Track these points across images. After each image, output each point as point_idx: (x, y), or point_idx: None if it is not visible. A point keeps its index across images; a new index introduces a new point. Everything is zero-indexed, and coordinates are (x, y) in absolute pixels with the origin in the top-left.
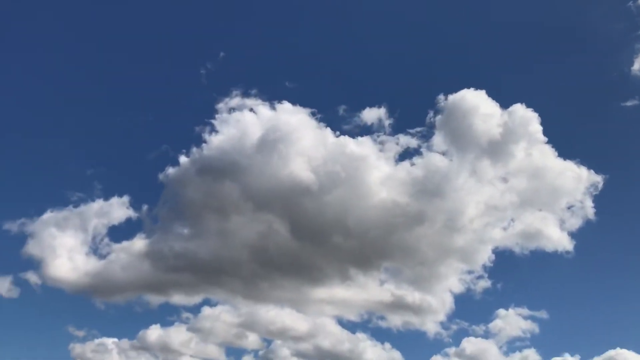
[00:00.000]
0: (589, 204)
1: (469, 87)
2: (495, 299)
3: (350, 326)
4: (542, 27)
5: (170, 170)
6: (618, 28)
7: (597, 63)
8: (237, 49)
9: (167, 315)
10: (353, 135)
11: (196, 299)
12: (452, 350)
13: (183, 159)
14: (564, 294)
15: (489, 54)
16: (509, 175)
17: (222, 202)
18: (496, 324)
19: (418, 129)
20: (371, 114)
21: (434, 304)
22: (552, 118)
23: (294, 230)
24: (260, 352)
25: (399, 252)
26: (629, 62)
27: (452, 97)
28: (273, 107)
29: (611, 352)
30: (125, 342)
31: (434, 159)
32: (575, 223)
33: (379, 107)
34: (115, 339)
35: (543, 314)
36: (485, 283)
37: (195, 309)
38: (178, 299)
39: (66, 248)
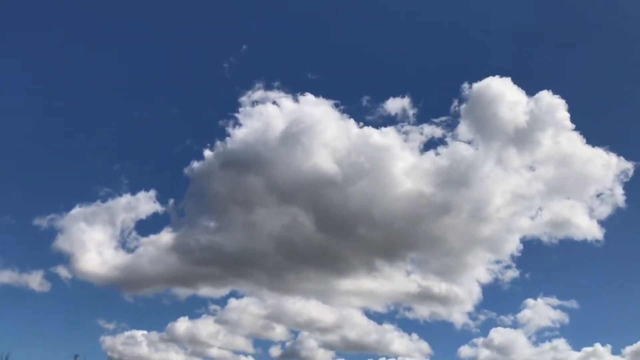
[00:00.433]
0: (619, 191)
1: (494, 75)
2: (523, 288)
3: (377, 317)
4: (568, 12)
5: (195, 165)
6: None
7: (625, 48)
8: (260, 41)
9: (194, 308)
10: (377, 125)
11: (223, 291)
12: (480, 340)
13: (207, 152)
14: (594, 283)
15: (514, 40)
16: (536, 164)
17: (247, 195)
18: (525, 314)
19: (443, 118)
20: (395, 104)
21: (461, 295)
22: (580, 104)
23: (319, 222)
24: (287, 344)
25: (425, 242)
26: None
27: (476, 85)
28: (296, 99)
29: None
30: (154, 335)
31: (459, 148)
32: (604, 211)
33: (403, 96)
34: (145, 332)
35: (573, 304)
36: (513, 273)
37: (222, 301)
38: (205, 291)
39: (95, 242)
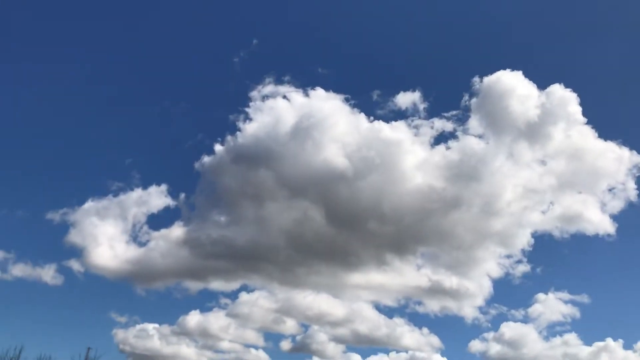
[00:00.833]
0: (632, 185)
1: (504, 69)
2: (534, 283)
3: (387, 311)
4: (580, 5)
5: (206, 159)
6: None
7: (638, 41)
8: (270, 36)
9: (206, 301)
10: (387, 120)
11: (234, 285)
12: (490, 335)
13: (218, 147)
14: (606, 277)
15: (525, 33)
16: (547, 158)
17: (258, 189)
18: (536, 309)
19: (453, 112)
20: (405, 98)
21: (472, 289)
22: (592, 98)
23: (329, 216)
24: (298, 337)
25: (435, 237)
26: None
27: (487, 79)
28: (306, 94)
29: None
30: (165, 328)
31: (470, 143)
32: (617, 205)
33: (414, 91)
34: (156, 325)
35: (584, 298)
36: (524, 267)
37: (233, 295)
38: (216, 285)
39: (107, 236)
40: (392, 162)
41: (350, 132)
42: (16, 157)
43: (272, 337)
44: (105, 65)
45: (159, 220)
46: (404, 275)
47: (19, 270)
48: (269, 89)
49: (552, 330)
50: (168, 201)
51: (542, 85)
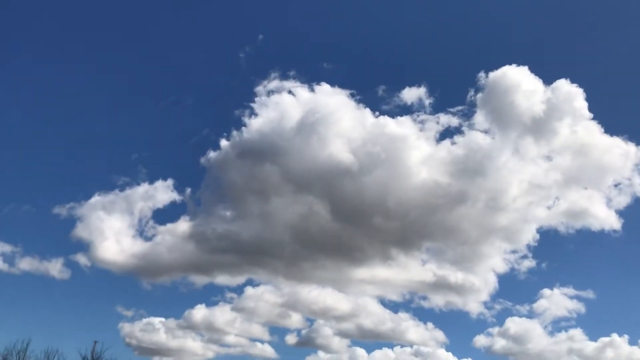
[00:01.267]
0: (638, 181)
1: (510, 64)
2: (539, 278)
3: (392, 306)
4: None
5: (212, 154)
6: None
7: None
8: (275, 31)
9: (211, 296)
10: (393, 115)
11: (239, 279)
12: (495, 330)
13: (224, 142)
14: (612, 273)
15: (531, 28)
16: (553, 153)
17: (263, 184)
18: (541, 304)
19: (459, 108)
20: (411, 94)
21: (477, 284)
22: (598, 93)
23: (334, 211)
24: (303, 332)
25: (440, 232)
26: None
27: (493, 74)
28: (312, 89)
29: None
30: (171, 322)
31: (476, 138)
32: (623, 201)
33: (419, 86)
34: (162, 319)
35: (589, 294)
36: (529, 263)
37: (239, 289)
38: (222, 279)
39: (113, 230)
40: (397, 158)
41: (356, 128)
42: (23, 152)
43: (277, 331)
44: (111, 62)
45: (165, 214)
46: (409, 270)
47: (26, 264)
48: (274, 84)
49: (557, 326)
50: (174, 196)
51: (548, 80)
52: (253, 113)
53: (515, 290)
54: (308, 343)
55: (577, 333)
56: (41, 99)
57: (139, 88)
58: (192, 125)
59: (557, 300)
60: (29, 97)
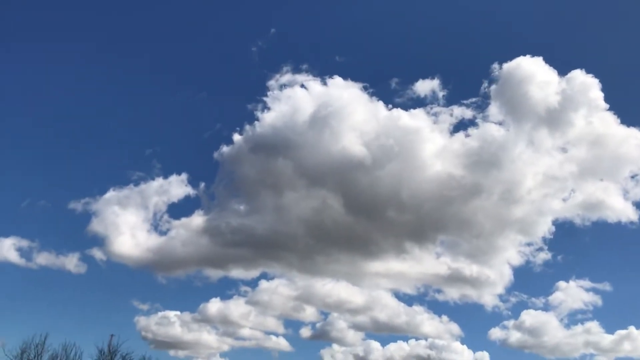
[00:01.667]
0: None
1: (524, 54)
2: (555, 271)
3: (407, 299)
4: None
5: (225, 149)
6: None
7: None
8: (287, 25)
9: (226, 289)
10: (406, 107)
11: (254, 273)
12: (510, 322)
13: (237, 137)
14: (629, 265)
15: (545, 18)
16: (568, 145)
17: (277, 178)
18: (556, 297)
19: (473, 100)
20: (424, 86)
21: (492, 277)
22: (614, 83)
23: (348, 204)
24: (318, 325)
25: (455, 225)
26: None
27: (507, 66)
28: (324, 83)
29: None
30: (187, 315)
31: (490, 130)
32: (639, 192)
33: (432, 78)
34: (178, 312)
35: (606, 286)
36: (545, 255)
37: (253, 283)
38: (236, 273)
39: (128, 225)
40: (411, 150)
41: (369, 121)
42: (39, 147)
43: (292, 324)
44: (125, 57)
45: (179, 209)
46: (424, 264)
47: (43, 259)
48: (286, 78)
49: (573, 319)
50: (188, 190)
51: (562, 71)
52: (266, 107)
53: (530, 283)
54: (322, 336)
55: (593, 326)
56: (56, 96)
57: (152, 84)
58: (206, 120)
59: (573, 293)
60: (44, 94)
